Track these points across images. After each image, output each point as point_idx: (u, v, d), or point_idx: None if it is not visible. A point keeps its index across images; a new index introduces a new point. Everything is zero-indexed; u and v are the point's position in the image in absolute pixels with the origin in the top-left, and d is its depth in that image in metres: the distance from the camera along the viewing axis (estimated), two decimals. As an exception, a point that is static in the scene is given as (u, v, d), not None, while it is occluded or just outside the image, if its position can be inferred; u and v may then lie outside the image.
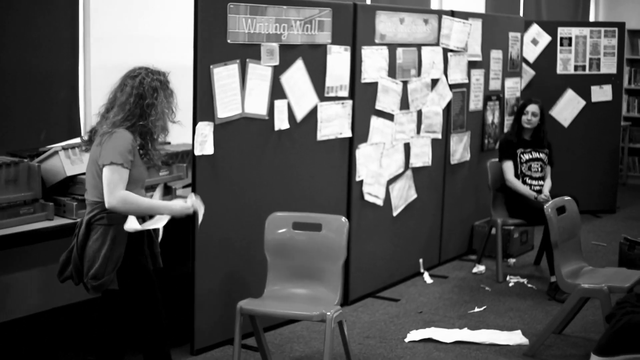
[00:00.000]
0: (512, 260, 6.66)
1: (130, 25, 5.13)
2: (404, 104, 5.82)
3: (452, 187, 6.57)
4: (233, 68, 4.47)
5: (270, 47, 4.67)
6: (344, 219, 4.32)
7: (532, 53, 8.20)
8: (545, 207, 4.74)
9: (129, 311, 3.54)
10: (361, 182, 5.50)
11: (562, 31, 8.31)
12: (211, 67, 4.36)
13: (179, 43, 4.89)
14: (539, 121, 6.24)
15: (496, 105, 7.08)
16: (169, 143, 4.94)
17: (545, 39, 8.27)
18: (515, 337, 4.91)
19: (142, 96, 3.43)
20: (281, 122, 4.83)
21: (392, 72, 5.66)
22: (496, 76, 7.02)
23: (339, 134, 5.27)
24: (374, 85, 5.52)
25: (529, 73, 8.12)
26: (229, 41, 4.44)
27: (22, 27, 4.55)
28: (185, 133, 4.31)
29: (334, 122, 5.22)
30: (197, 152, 4.36)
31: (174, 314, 4.25)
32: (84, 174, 4.04)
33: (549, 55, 8.27)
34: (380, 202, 5.69)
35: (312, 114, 5.05)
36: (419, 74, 5.94)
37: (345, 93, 5.27)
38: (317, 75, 5.04)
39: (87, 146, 3.59)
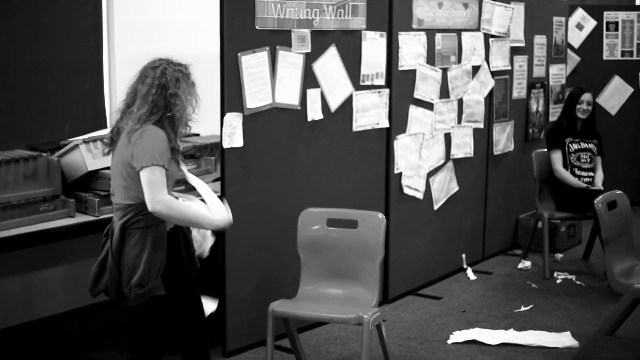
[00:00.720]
0: (559, 256, 6.55)
1: (154, 12, 5.13)
2: (444, 93, 5.73)
3: (495, 179, 6.48)
4: (262, 56, 4.36)
5: (302, 33, 4.56)
6: (381, 215, 4.21)
7: (577, 38, 8.14)
8: (595, 202, 4.60)
9: (174, 315, 3.41)
10: (400, 174, 5.40)
11: (608, 15, 8.20)
12: (239, 54, 4.26)
13: (205, 30, 4.80)
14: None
15: (540, 93, 6.96)
16: (198, 135, 4.87)
17: (590, 23, 8.19)
18: (564, 339, 4.76)
19: (164, 86, 3.28)
20: (314, 113, 4.72)
21: (430, 59, 5.57)
22: (540, 62, 6.92)
23: (375, 125, 5.16)
24: (412, 73, 5.42)
25: (574, 59, 8.04)
26: (257, 27, 4.33)
27: (43, 18, 4.53)
28: (214, 124, 4.23)
29: (370, 112, 5.10)
30: (225, 145, 4.26)
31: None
32: (106, 168, 3.97)
33: (594, 40, 8.18)
34: (420, 196, 5.59)
35: (347, 103, 4.95)
36: (459, 60, 5.84)
37: (381, 81, 5.17)
38: (352, 62, 4.95)
39: (110, 148, 3.39)
